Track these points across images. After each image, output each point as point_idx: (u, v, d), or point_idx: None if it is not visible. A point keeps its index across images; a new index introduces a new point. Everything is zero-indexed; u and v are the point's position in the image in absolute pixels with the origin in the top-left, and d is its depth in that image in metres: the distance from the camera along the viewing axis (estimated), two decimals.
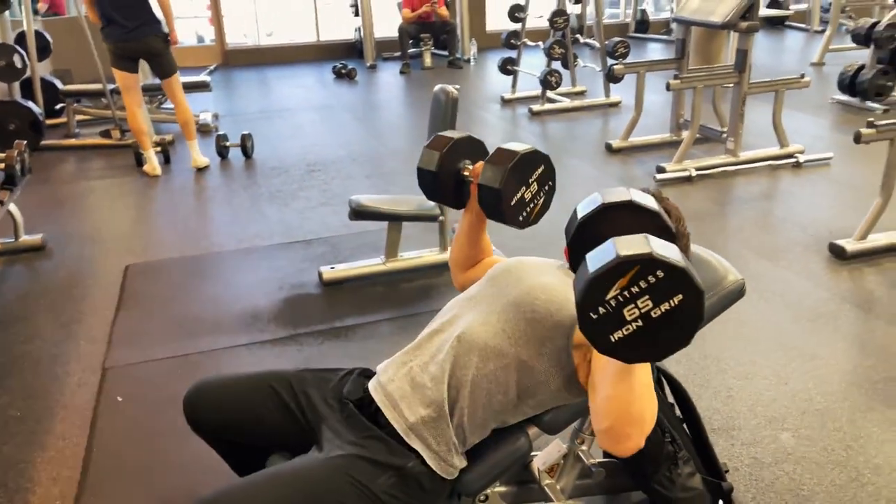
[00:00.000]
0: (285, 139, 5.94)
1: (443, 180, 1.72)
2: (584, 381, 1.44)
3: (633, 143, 5.23)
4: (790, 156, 4.79)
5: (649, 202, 1.26)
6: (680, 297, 1.05)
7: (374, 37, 9.23)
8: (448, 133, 1.74)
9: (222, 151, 5.35)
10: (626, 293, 1.03)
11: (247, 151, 5.38)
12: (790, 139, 4.86)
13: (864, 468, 2.08)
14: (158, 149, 5.22)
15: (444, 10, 8.86)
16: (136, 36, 4.65)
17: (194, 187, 4.85)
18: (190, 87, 5.69)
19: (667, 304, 1.05)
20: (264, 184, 4.82)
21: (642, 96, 5.22)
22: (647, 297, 1.04)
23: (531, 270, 1.56)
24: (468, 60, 9.20)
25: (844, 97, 6.15)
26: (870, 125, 3.25)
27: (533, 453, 1.71)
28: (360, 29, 9.42)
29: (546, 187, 1.60)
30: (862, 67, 5.91)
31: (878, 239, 3.42)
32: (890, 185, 3.36)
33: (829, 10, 9.87)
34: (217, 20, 9.63)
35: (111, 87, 5.82)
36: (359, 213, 3.23)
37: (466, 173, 1.69)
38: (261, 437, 1.59)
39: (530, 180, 1.55)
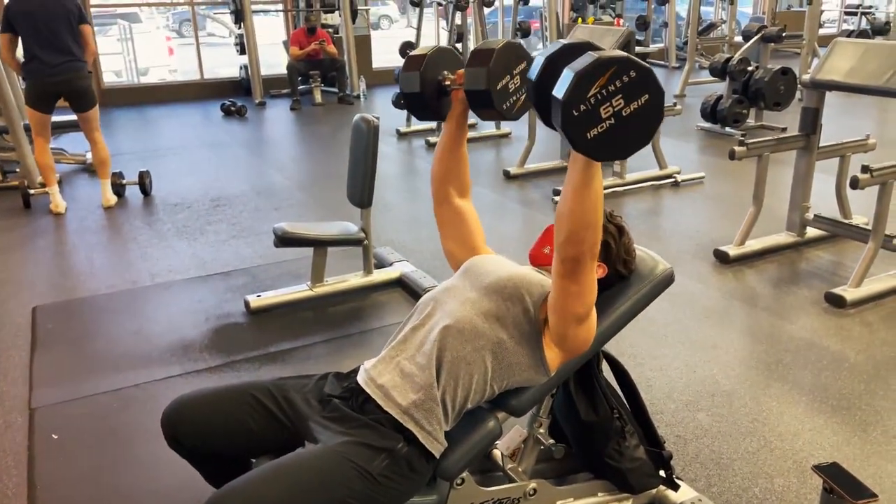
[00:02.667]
0: (182, 176, 5.84)
1: (427, 97, 1.75)
2: (548, 338, 1.60)
3: (528, 170, 5.56)
4: (669, 176, 5.28)
5: (597, 46, 1.39)
6: (647, 96, 1.26)
7: (261, 74, 9.23)
8: (418, 51, 1.79)
9: (119, 190, 5.19)
10: (604, 91, 1.23)
11: (145, 189, 5.25)
12: (666, 161, 5.35)
13: (770, 436, 2.37)
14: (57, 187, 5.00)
15: (332, 48, 9.00)
16: (59, 72, 4.54)
17: (94, 226, 4.68)
18: (77, 127, 5.46)
19: (635, 103, 1.25)
20: (169, 220, 4.73)
21: (535, 126, 5.57)
22: (620, 95, 1.24)
23: (501, 262, 1.76)
24: (358, 96, 9.37)
25: (707, 124, 6.82)
26: (741, 143, 3.69)
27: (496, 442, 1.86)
28: (246, 67, 9.38)
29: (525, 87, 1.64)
30: (721, 98, 6.60)
31: (753, 244, 3.86)
32: (760, 195, 3.81)
33: (684, 47, 10.89)
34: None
35: None
36: (284, 240, 3.28)
37: (448, 82, 1.74)
38: (245, 446, 1.64)
39: (514, 72, 1.65)
